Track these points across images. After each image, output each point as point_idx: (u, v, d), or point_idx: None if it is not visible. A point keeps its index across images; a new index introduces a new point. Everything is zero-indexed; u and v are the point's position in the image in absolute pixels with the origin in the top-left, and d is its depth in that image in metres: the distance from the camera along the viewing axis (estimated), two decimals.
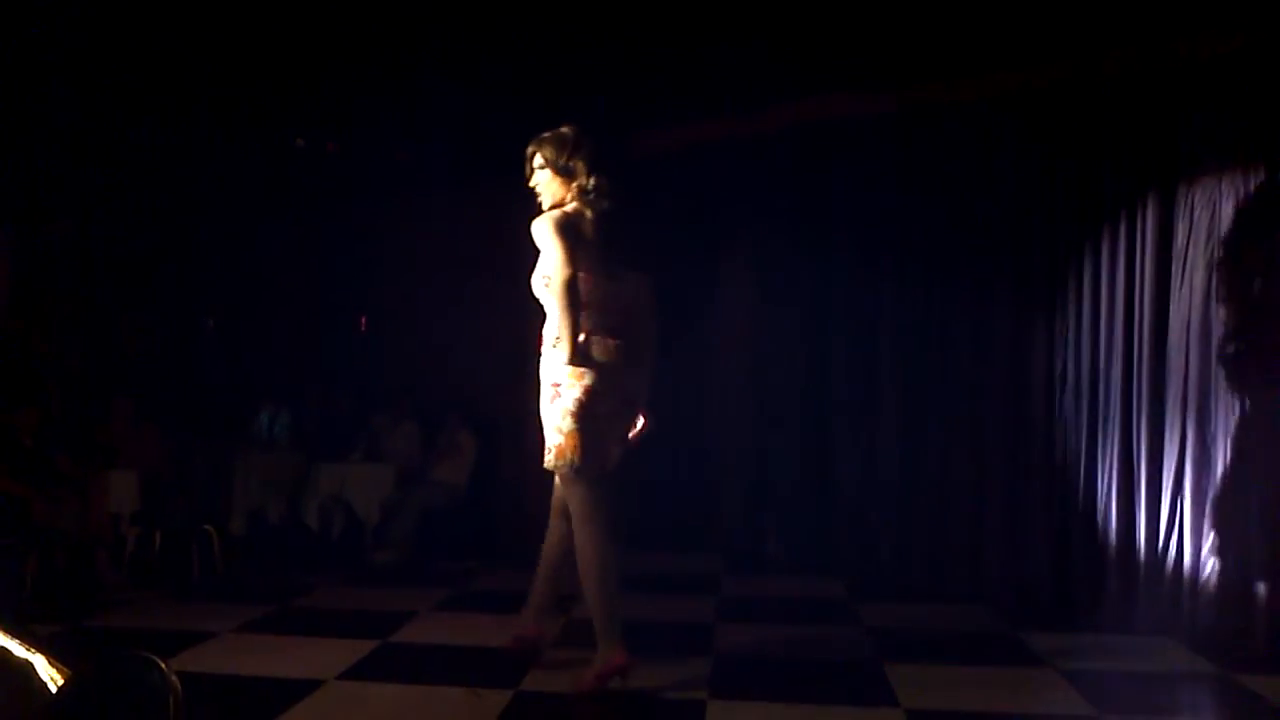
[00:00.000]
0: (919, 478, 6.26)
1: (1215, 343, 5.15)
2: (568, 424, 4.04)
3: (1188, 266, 5.26)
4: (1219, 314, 5.14)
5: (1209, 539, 5.11)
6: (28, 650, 1.81)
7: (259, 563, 7.10)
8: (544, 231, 4.02)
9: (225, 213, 8.66)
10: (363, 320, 9.09)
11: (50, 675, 1.76)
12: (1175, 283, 5.31)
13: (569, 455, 4.05)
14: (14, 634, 1.88)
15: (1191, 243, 5.24)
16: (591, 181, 4.12)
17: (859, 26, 5.69)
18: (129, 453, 7.01)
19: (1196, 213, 5.22)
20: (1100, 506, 5.51)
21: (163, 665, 1.69)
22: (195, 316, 9.00)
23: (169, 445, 7.35)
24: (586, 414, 4.05)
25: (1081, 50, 5.65)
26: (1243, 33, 5.06)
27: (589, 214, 4.12)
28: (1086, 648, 5.01)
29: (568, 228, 4.03)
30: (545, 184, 4.20)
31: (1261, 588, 4.86)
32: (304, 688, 4.13)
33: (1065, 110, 5.74)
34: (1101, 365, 5.56)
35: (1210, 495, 5.13)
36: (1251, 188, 5.03)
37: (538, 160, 4.21)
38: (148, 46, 6.13)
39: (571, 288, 3.97)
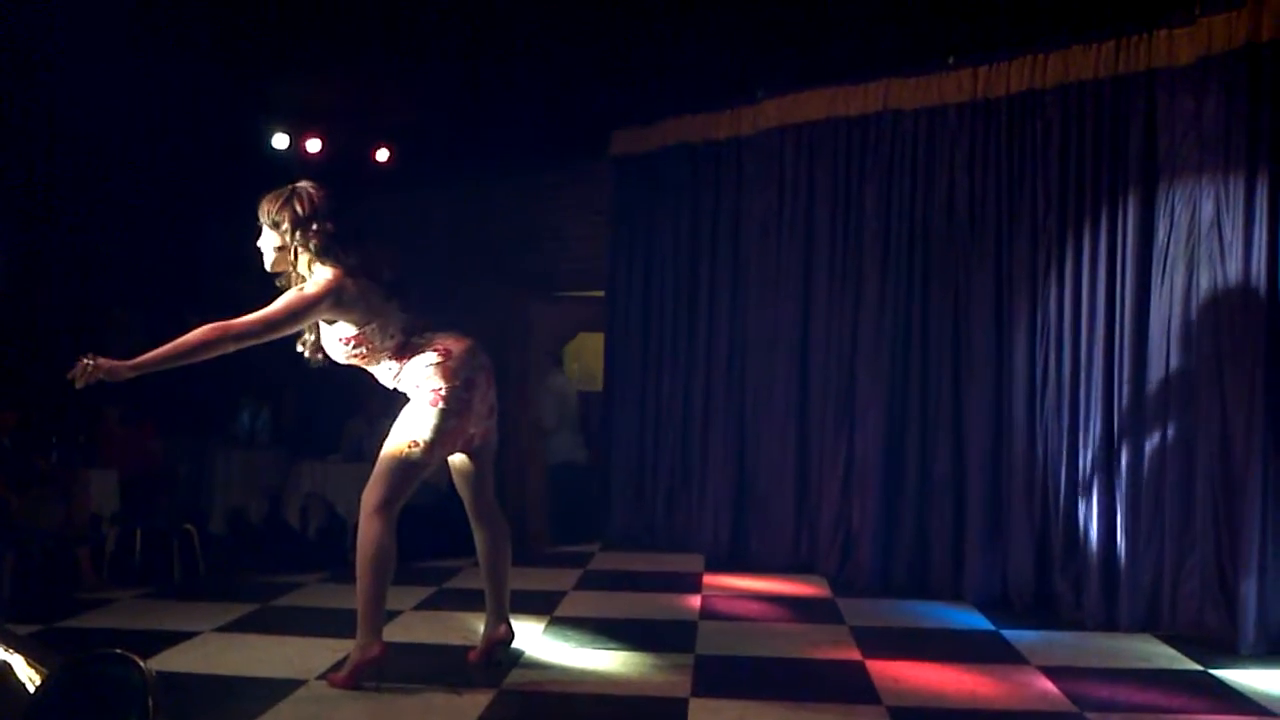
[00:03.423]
0: (901, 475, 6.27)
1: (1195, 341, 5.18)
2: (450, 423, 4.07)
3: (1168, 265, 5.29)
4: (1198, 313, 5.17)
5: (1190, 536, 5.14)
6: (5, 651, 1.79)
7: (240, 562, 7.06)
8: (310, 294, 4.06)
9: (211, 211, 8.60)
10: None
11: (28, 675, 1.75)
12: (1156, 281, 5.34)
13: (433, 450, 4.07)
14: None
15: (1172, 241, 5.28)
16: (329, 226, 4.05)
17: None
18: (109, 452, 6.96)
19: (1177, 211, 5.25)
20: (1081, 504, 5.53)
21: (140, 663, 1.67)
22: (178, 315, 8.93)
23: (152, 444, 7.30)
24: (464, 406, 4.10)
25: (1064, 48, 5.70)
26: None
27: (346, 268, 4.06)
28: (1069, 645, 5.04)
29: (340, 292, 4.04)
30: (274, 244, 4.17)
31: (1243, 584, 4.88)
32: (286, 687, 4.11)
33: (1047, 109, 5.76)
34: (1083, 363, 5.58)
35: (1191, 493, 5.15)
36: (1231, 186, 5.06)
37: (274, 218, 4.10)
38: (143, 43, 6.11)
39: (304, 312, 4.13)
